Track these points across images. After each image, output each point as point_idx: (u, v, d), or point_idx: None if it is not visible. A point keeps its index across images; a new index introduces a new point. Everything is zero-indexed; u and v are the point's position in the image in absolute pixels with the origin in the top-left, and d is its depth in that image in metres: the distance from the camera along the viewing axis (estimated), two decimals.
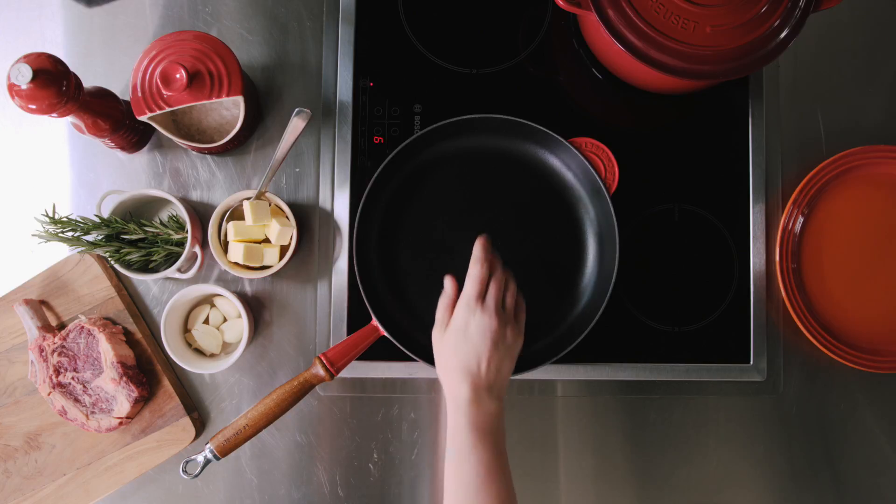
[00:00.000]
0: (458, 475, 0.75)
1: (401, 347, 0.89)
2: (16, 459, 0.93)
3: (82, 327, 0.91)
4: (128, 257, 0.91)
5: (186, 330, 0.95)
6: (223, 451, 0.82)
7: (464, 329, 0.80)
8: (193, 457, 0.83)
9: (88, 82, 0.86)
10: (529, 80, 0.98)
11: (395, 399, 0.96)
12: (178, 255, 0.92)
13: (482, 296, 0.81)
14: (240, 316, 0.94)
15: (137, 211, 0.94)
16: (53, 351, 0.90)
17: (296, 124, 0.90)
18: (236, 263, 0.92)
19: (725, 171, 0.98)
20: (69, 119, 0.86)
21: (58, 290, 0.94)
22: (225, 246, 0.93)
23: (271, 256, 0.92)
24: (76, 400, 0.91)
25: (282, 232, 0.91)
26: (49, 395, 0.91)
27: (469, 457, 0.74)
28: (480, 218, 0.94)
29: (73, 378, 0.91)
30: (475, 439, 0.75)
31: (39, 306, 0.93)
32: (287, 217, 0.93)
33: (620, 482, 0.97)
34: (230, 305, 0.94)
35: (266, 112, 0.98)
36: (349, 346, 0.86)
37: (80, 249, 0.90)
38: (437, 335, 0.83)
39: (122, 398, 0.90)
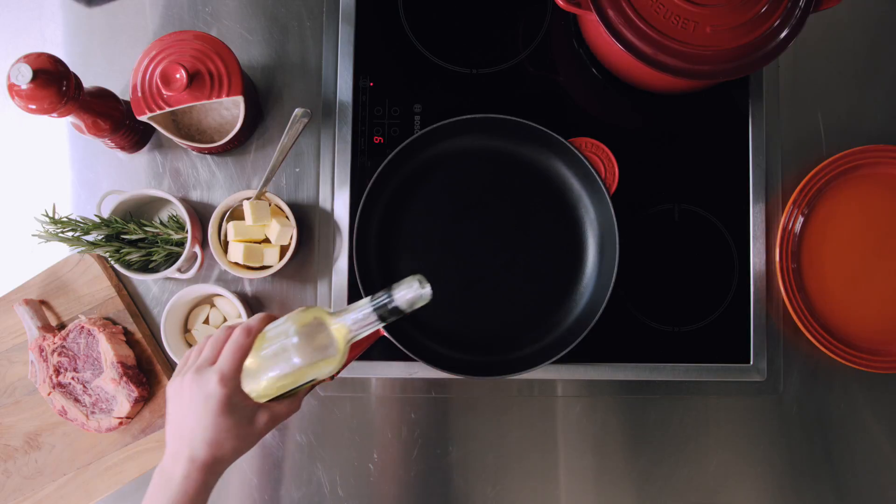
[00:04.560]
0: None
1: (401, 347, 0.89)
2: (16, 459, 0.93)
3: (82, 327, 0.91)
4: (128, 257, 0.91)
5: (186, 330, 0.95)
6: None
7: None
8: None
9: (88, 82, 0.86)
10: (529, 80, 0.98)
11: (394, 399, 0.96)
12: (178, 255, 0.92)
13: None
14: (240, 316, 0.93)
15: (137, 211, 0.94)
16: (53, 351, 0.90)
17: (296, 124, 0.90)
18: (236, 263, 0.92)
19: (725, 171, 0.98)
20: (69, 119, 0.86)
21: (58, 290, 0.94)
22: (225, 246, 0.93)
23: (271, 256, 0.92)
24: (76, 400, 0.91)
25: (282, 232, 0.91)
26: (49, 395, 0.91)
27: None
28: (480, 218, 0.94)
29: (73, 378, 0.91)
30: None
31: (39, 306, 0.93)
32: (287, 217, 0.93)
33: (620, 482, 0.97)
34: (230, 305, 0.94)
35: (266, 112, 0.98)
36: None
37: (80, 249, 0.90)
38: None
39: (122, 398, 0.90)
